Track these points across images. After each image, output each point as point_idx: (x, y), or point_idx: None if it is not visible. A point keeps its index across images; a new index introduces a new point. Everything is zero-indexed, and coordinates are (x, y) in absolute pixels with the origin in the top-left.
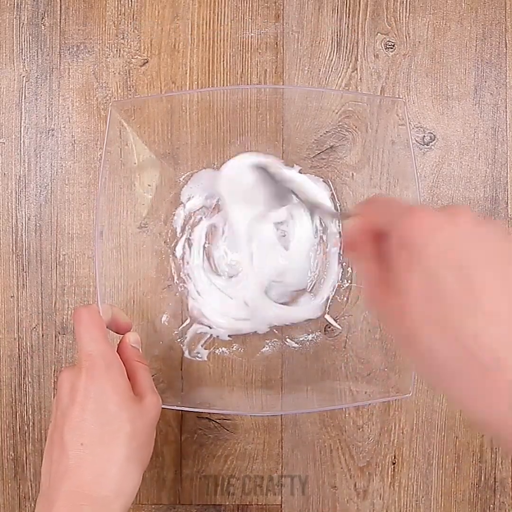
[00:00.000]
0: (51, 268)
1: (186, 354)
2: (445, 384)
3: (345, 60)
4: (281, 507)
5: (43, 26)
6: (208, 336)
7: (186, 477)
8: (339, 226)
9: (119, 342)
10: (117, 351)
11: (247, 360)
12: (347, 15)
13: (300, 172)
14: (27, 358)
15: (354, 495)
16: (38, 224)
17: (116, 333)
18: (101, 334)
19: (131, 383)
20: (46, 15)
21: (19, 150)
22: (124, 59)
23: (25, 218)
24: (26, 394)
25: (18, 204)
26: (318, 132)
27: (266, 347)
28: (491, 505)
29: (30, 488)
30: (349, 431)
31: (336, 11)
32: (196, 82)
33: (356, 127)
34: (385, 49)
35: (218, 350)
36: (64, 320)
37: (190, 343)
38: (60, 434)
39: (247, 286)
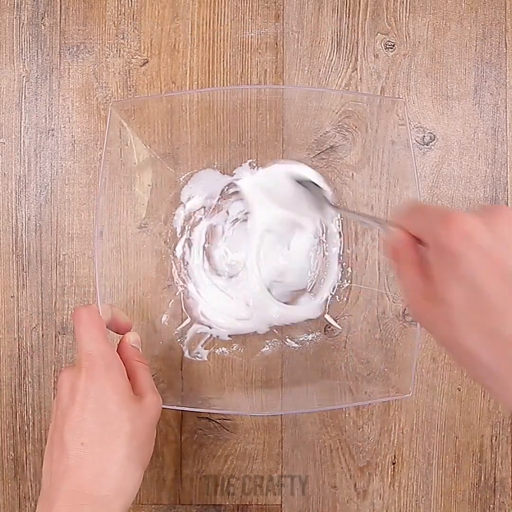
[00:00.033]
0: (51, 268)
1: (186, 354)
2: (488, 383)
3: (345, 60)
4: (281, 507)
5: (43, 26)
6: (208, 336)
7: (186, 477)
8: (339, 226)
9: (119, 342)
10: (117, 351)
11: (247, 360)
12: (347, 15)
13: None
14: (27, 358)
15: (354, 495)
16: (38, 224)
17: (116, 333)
18: (101, 334)
19: (131, 383)
20: (46, 15)
21: (19, 150)
22: (124, 59)
23: (25, 218)
24: (26, 394)
25: (18, 204)
26: (318, 132)
27: (266, 347)
28: (491, 505)
29: (30, 488)
30: (349, 431)
31: (336, 11)
32: (196, 82)
33: (356, 127)
34: (385, 49)
35: (218, 350)
36: (64, 320)
37: (190, 343)
38: (60, 434)
39: (248, 286)
